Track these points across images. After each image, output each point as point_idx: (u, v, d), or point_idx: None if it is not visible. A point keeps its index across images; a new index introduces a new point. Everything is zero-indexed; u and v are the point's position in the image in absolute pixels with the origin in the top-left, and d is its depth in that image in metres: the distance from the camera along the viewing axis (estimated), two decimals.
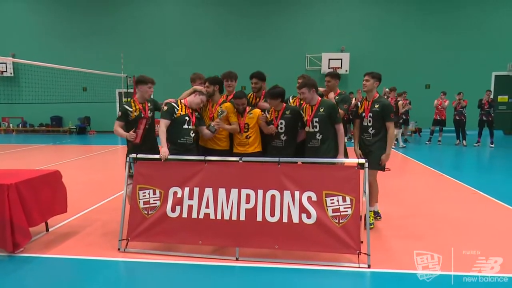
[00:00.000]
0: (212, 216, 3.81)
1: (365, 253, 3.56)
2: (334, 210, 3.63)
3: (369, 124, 4.58)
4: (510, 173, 8.31)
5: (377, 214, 4.87)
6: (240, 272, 3.58)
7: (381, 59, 15.55)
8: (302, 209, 3.68)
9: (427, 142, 13.04)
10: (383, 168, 4.62)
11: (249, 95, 4.85)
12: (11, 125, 17.99)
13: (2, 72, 17.44)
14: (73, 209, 5.04)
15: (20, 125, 17.94)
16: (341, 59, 15.94)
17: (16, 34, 17.40)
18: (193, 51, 16.79)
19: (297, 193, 3.71)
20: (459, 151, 11.58)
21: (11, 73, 17.52)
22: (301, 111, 4.40)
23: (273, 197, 3.75)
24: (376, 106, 4.52)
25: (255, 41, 16.65)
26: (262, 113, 4.45)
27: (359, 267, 3.53)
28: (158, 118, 4.36)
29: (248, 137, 4.40)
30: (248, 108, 4.46)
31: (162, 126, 4.19)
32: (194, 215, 3.84)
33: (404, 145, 12.34)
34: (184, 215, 3.86)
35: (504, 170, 8.94)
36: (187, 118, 4.30)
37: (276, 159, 3.87)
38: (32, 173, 4.33)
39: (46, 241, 4.27)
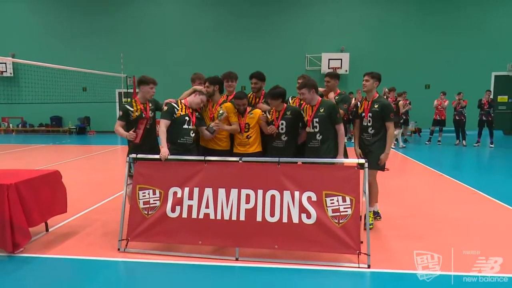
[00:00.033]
0: (212, 216, 3.81)
1: (365, 253, 3.56)
2: (334, 210, 3.63)
3: (369, 124, 4.58)
4: (510, 173, 8.31)
5: (377, 214, 4.87)
6: (240, 272, 3.58)
7: (381, 59, 15.56)
8: (302, 209, 3.68)
9: (427, 142, 13.04)
10: (382, 168, 4.63)
11: (249, 95, 4.85)
12: (11, 125, 17.99)
13: (2, 72, 17.44)
14: (73, 209, 5.04)
15: (20, 125, 17.93)
16: (341, 59, 15.94)
17: (16, 34, 17.39)
18: (193, 51, 16.79)
19: (297, 193, 3.71)
20: (459, 151, 11.58)
21: (11, 73, 17.51)
22: (302, 112, 4.40)
23: (273, 197, 3.75)
24: (376, 106, 4.53)
25: (255, 41, 16.65)
26: (263, 113, 4.46)
27: (359, 267, 3.53)
28: (159, 119, 4.36)
29: (248, 137, 4.40)
30: (248, 108, 4.46)
31: (162, 126, 4.19)
32: (194, 215, 3.84)
33: (404, 145, 12.34)
34: (184, 215, 3.86)
35: (504, 170, 8.94)
36: (187, 118, 4.30)
37: (276, 159, 3.87)
38: (32, 173, 4.32)
39: (46, 241, 4.27)
